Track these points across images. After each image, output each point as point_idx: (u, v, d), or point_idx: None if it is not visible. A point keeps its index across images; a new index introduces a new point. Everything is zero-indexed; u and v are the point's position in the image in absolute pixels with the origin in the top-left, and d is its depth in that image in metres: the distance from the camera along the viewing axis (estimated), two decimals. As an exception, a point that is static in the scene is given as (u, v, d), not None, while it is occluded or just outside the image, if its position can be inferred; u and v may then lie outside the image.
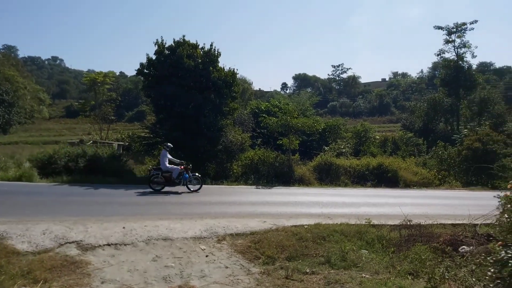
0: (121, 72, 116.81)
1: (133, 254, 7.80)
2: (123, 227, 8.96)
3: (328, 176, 21.46)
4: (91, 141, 30.96)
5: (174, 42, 21.75)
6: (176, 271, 7.12)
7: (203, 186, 18.34)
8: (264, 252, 8.21)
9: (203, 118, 20.39)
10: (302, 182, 20.38)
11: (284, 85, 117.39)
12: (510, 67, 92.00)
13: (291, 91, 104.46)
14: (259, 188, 18.39)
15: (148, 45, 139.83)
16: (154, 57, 21.55)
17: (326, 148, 29.03)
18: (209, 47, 22.20)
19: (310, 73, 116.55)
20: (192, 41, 22.09)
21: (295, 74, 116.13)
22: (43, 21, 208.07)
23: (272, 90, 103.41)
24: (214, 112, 21.22)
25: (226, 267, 7.47)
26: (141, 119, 65.00)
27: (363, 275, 7.08)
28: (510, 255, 4.24)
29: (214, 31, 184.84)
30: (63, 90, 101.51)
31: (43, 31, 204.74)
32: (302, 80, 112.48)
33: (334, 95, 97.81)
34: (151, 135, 22.98)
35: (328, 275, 7.08)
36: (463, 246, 8.82)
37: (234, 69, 22.56)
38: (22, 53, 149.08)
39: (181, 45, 21.42)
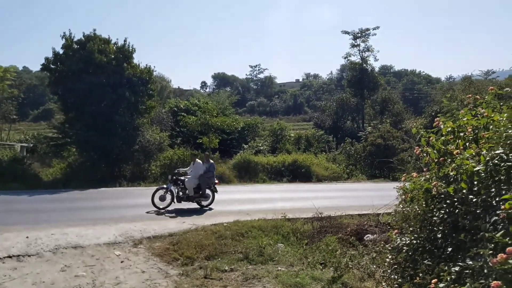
0: (24, 67, 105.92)
1: (39, 266, 7.23)
2: (27, 237, 8.27)
3: (247, 174, 21.93)
4: (-12, 143, 27.76)
5: (84, 36, 20.57)
6: (88, 280, 6.75)
7: (119, 188, 17.64)
8: (183, 253, 8.15)
9: (118, 117, 19.56)
10: (222, 180, 20.46)
11: (204, 84, 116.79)
12: (407, 70, 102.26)
13: (210, 90, 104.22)
14: (178, 188, 18.08)
15: (55, 38, 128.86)
16: (61, 52, 20.21)
17: (245, 146, 29.56)
18: (122, 42, 21.42)
19: (228, 72, 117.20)
20: (104, 35, 21.09)
21: (214, 73, 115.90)
22: None
23: (191, 88, 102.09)
24: (129, 111, 20.46)
25: (143, 272, 7.27)
26: (48, 118, 59.73)
27: (279, 268, 7.41)
28: (404, 242, 4.73)
29: (130, 27, 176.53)
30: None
31: None
32: (221, 79, 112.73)
33: (252, 95, 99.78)
34: (60, 136, 21.56)
35: (246, 271, 7.28)
36: (368, 235, 9.65)
37: (150, 66, 22.03)
38: None
39: (92, 39, 20.33)
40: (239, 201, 14.21)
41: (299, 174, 22.59)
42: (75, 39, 20.41)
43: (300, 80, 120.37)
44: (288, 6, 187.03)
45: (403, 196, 5.44)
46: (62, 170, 20.35)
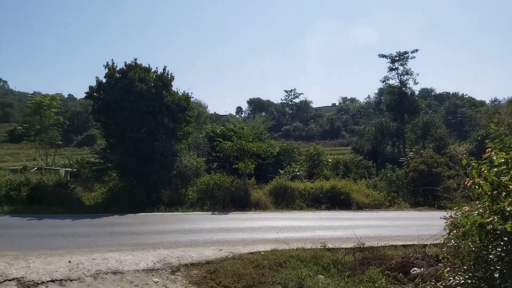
0: (69, 95, 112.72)
1: (80, 291, 7.32)
2: (69, 261, 8.43)
3: (284, 200, 21.56)
4: (36, 168, 29.21)
5: (125, 65, 21.39)
6: (127, 308, 6.74)
7: (157, 213, 17.81)
8: (220, 282, 8.01)
9: (157, 143, 19.98)
10: (258, 206, 20.31)
11: (239, 109, 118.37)
12: (449, 93, 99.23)
13: (246, 115, 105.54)
14: (215, 214, 18.11)
15: (98, 66, 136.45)
16: (104, 80, 21.06)
17: (281, 171, 29.29)
18: (162, 71, 22.11)
19: (263, 97, 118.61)
20: (145, 64, 21.91)
21: (250, 99, 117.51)
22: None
23: (227, 113, 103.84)
24: (168, 137, 20.91)
25: (181, 301, 7.18)
26: (90, 143, 62.52)
27: (320, 302, 7.08)
28: (457, 281, 4.38)
29: (168, 54, 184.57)
30: (6, 114, 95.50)
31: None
32: (256, 105, 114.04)
33: (287, 119, 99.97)
34: (102, 161, 22.26)
35: (286, 303, 7.01)
36: (414, 268, 9.08)
37: (188, 92, 22.57)
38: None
39: (133, 68, 21.12)
40: (276, 229, 13.97)
41: (338, 201, 21.91)
42: (117, 69, 21.25)
43: (337, 104, 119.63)
44: (324, 30, 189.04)
45: (454, 231, 5.10)
46: (103, 195, 20.91)
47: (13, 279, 7.38)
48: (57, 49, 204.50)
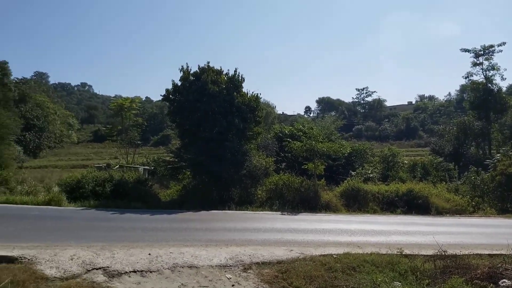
0: (146, 97, 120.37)
1: (159, 282, 7.67)
2: (149, 254, 8.88)
3: (356, 203, 20.85)
4: (118, 165, 31.53)
5: (199, 68, 22.17)
6: (202, 302, 6.91)
7: (228, 211, 18.16)
8: (292, 283, 7.90)
9: (228, 143, 20.46)
10: (328, 208, 19.88)
11: (308, 109, 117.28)
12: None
13: (315, 115, 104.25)
14: (284, 214, 18.06)
15: (172, 69, 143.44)
16: (179, 83, 22.00)
17: (353, 173, 28.36)
18: (233, 73, 22.57)
19: (333, 96, 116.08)
20: (217, 67, 22.55)
21: (319, 98, 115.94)
22: (73, 49, 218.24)
23: (295, 114, 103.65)
24: (238, 137, 21.29)
25: (253, 298, 7.20)
26: (166, 143, 66.10)
27: (398, 310, 6.68)
28: None
29: (237, 54, 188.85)
30: (91, 115, 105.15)
31: (73, 59, 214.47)
32: (326, 104, 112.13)
33: (359, 119, 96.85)
34: (176, 159, 23.24)
35: (361, 309, 6.72)
36: (504, 280, 8.23)
37: (257, 93, 22.78)
38: (52, 79, 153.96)
39: (206, 71, 21.80)
40: (348, 232, 13.54)
41: (415, 205, 20.63)
42: (191, 72, 22.11)
43: (413, 102, 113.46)
44: (400, 24, 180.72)
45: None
46: (178, 192, 21.89)
47: (99, 268, 7.94)
48: (136, 54, 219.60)
